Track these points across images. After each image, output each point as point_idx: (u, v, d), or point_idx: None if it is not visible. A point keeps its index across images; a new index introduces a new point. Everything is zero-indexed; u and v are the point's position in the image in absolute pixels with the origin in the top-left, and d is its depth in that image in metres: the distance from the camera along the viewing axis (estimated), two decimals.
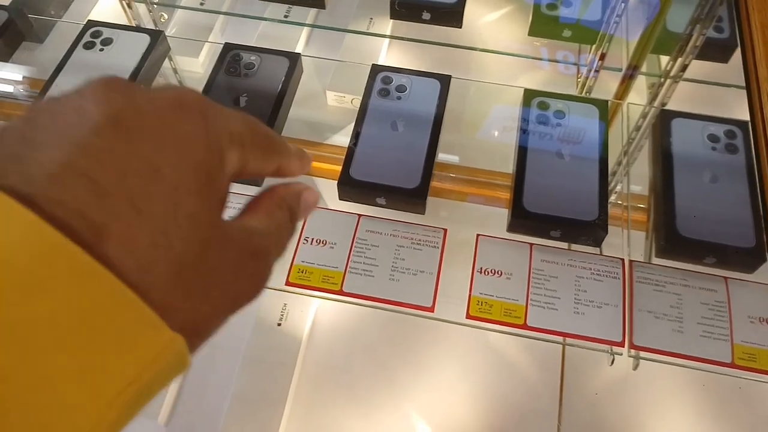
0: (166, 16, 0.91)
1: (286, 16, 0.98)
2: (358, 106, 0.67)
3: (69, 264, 0.17)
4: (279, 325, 0.84)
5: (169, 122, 0.20)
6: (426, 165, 0.62)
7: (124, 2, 0.76)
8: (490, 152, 0.78)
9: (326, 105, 0.92)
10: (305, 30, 1.02)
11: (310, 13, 1.00)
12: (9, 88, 0.81)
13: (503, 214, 0.63)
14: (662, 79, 0.71)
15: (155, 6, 0.81)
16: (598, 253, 0.61)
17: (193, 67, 0.97)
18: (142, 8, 0.82)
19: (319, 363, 0.82)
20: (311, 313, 0.86)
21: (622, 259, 0.59)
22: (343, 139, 0.82)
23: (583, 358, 0.80)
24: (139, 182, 0.19)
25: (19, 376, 0.15)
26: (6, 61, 0.82)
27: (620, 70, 0.74)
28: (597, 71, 0.75)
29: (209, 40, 0.99)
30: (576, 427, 0.78)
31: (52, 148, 0.18)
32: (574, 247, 0.62)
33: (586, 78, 0.77)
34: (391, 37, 0.97)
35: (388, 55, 1.00)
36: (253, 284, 0.22)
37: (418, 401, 0.79)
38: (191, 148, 0.20)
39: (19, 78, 0.82)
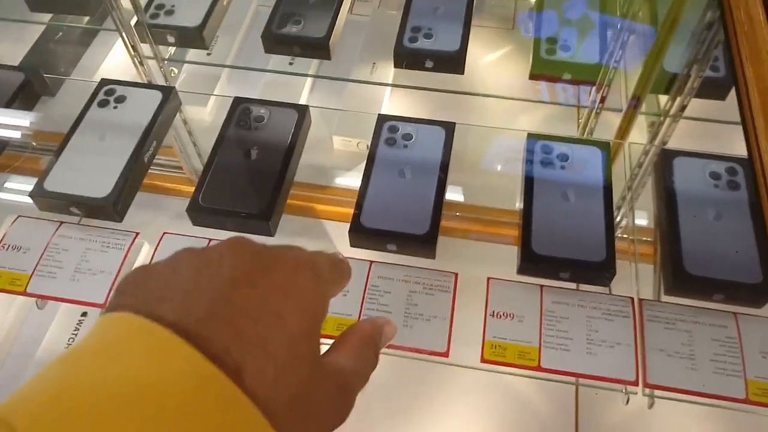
0: (176, 71, 0.94)
1: (290, 64, 1.01)
2: (365, 149, 0.68)
3: (221, 393, 0.21)
4: None
5: (289, 279, 0.26)
6: (434, 211, 0.63)
7: (136, 60, 0.78)
8: (496, 193, 0.79)
9: (333, 149, 0.94)
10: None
11: (314, 60, 1.03)
12: (22, 140, 0.83)
13: (511, 250, 0.64)
14: (662, 119, 0.72)
15: (166, 62, 0.84)
16: (608, 292, 0.62)
17: (201, 116, 0.99)
18: (152, 63, 0.84)
19: None
20: None
21: (632, 298, 0.60)
22: (350, 182, 0.83)
23: (597, 397, 0.80)
24: (266, 328, 0.24)
25: None
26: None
27: (620, 110, 0.75)
28: (598, 112, 0.77)
29: (216, 88, 1.02)
30: None
31: (198, 296, 0.23)
32: (583, 287, 0.63)
33: (588, 118, 0.79)
34: (394, 85, 0.99)
35: (391, 99, 1.02)
36: (339, 415, 0.27)
37: None
38: (306, 299, 0.26)
39: (32, 132, 0.84)
